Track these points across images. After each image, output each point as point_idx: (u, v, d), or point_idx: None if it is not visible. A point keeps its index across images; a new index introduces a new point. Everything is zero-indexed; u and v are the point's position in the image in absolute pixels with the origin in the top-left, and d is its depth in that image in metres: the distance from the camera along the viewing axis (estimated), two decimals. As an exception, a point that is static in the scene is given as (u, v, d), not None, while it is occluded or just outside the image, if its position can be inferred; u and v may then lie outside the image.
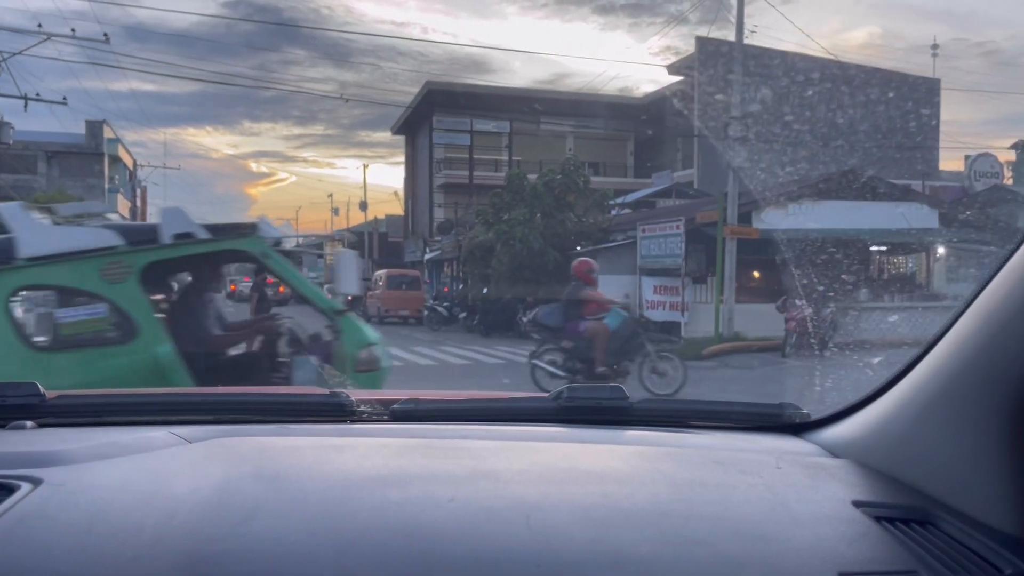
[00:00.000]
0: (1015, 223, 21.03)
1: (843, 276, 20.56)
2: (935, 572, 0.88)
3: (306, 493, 1.04)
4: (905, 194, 20.82)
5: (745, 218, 18.35)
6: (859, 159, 23.57)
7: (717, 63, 30.16)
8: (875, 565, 0.90)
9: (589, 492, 1.09)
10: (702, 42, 31.13)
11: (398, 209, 50.13)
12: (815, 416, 1.42)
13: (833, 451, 1.29)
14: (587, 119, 37.67)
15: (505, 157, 38.27)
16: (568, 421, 1.45)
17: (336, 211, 71.15)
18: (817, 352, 15.33)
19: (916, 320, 18.41)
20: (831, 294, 18.05)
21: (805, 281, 15.88)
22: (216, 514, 0.96)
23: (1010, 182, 24.99)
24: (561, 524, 0.97)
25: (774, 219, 19.22)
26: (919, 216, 20.17)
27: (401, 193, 50.42)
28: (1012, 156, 24.10)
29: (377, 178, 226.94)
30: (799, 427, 1.43)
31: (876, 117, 30.08)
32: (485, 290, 23.08)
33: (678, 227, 18.19)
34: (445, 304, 25.56)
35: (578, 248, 21.17)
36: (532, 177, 23.30)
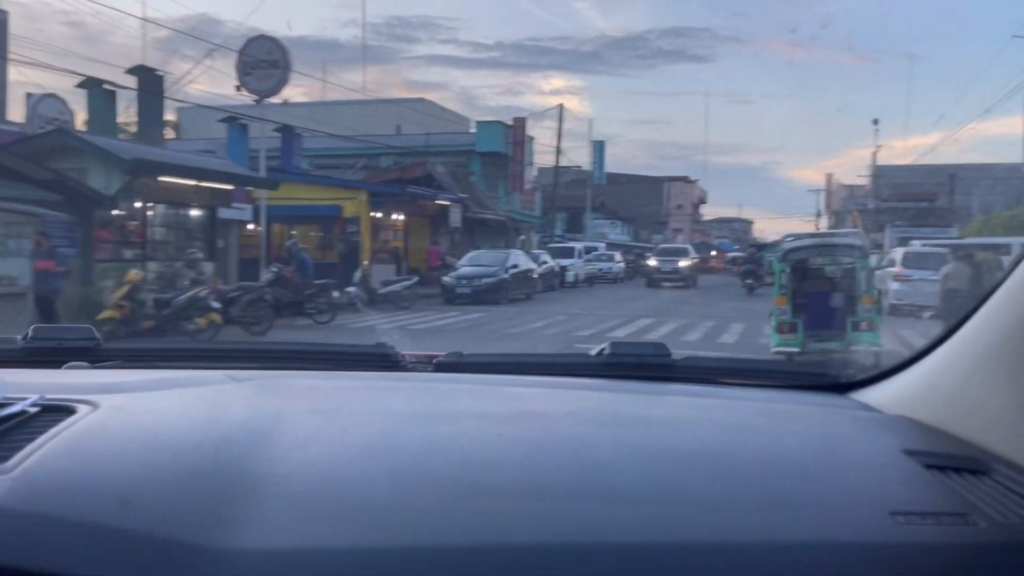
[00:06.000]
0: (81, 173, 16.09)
1: None
2: (986, 517, 0.87)
3: (358, 426, 1.07)
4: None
5: None
6: None
7: None
8: (926, 507, 0.90)
9: (637, 433, 1.10)
10: None
11: None
12: (861, 376, 1.42)
13: (881, 408, 1.28)
14: None
15: None
16: (611, 376, 1.44)
17: None
18: None
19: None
20: None
21: None
22: (271, 440, 0.96)
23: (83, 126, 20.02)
24: (610, 460, 0.97)
25: None
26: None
27: None
28: (83, 97, 19.12)
29: None
30: (844, 386, 1.42)
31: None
32: None
33: None
34: None
35: None
36: None
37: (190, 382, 1.23)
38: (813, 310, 11.35)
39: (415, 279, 21.66)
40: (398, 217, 28.47)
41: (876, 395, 1.32)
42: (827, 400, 1.36)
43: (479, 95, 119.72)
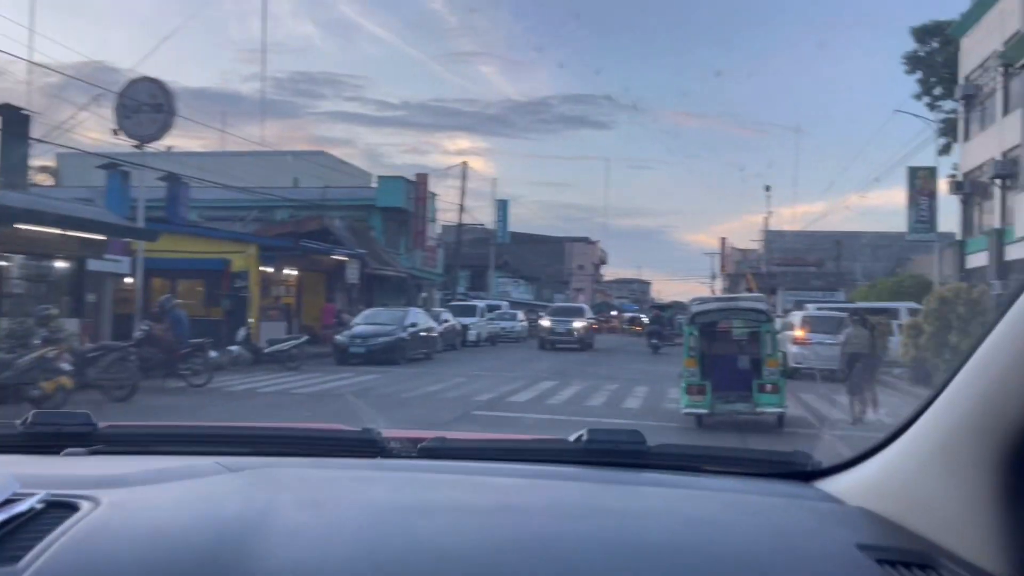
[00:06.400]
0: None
1: None
2: None
3: (343, 521, 1.12)
4: None
5: None
6: None
7: None
8: None
9: (605, 527, 1.15)
10: None
11: None
12: (826, 464, 1.45)
13: (841, 498, 1.31)
14: None
15: None
16: (588, 463, 1.48)
17: None
18: None
19: None
20: None
21: None
22: (262, 536, 1.00)
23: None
24: (577, 555, 1.03)
25: None
26: None
27: None
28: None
29: None
30: (809, 474, 1.46)
31: None
32: None
33: None
34: None
35: None
36: None
37: (184, 473, 1.27)
38: (721, 372, 11.26)
39: (304, 338, 20.41)
40: (291, 272, 27.14)
41: (839, 485, 1.35)
42: (791, 490, 1.39)
43: (384, 153, 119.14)
